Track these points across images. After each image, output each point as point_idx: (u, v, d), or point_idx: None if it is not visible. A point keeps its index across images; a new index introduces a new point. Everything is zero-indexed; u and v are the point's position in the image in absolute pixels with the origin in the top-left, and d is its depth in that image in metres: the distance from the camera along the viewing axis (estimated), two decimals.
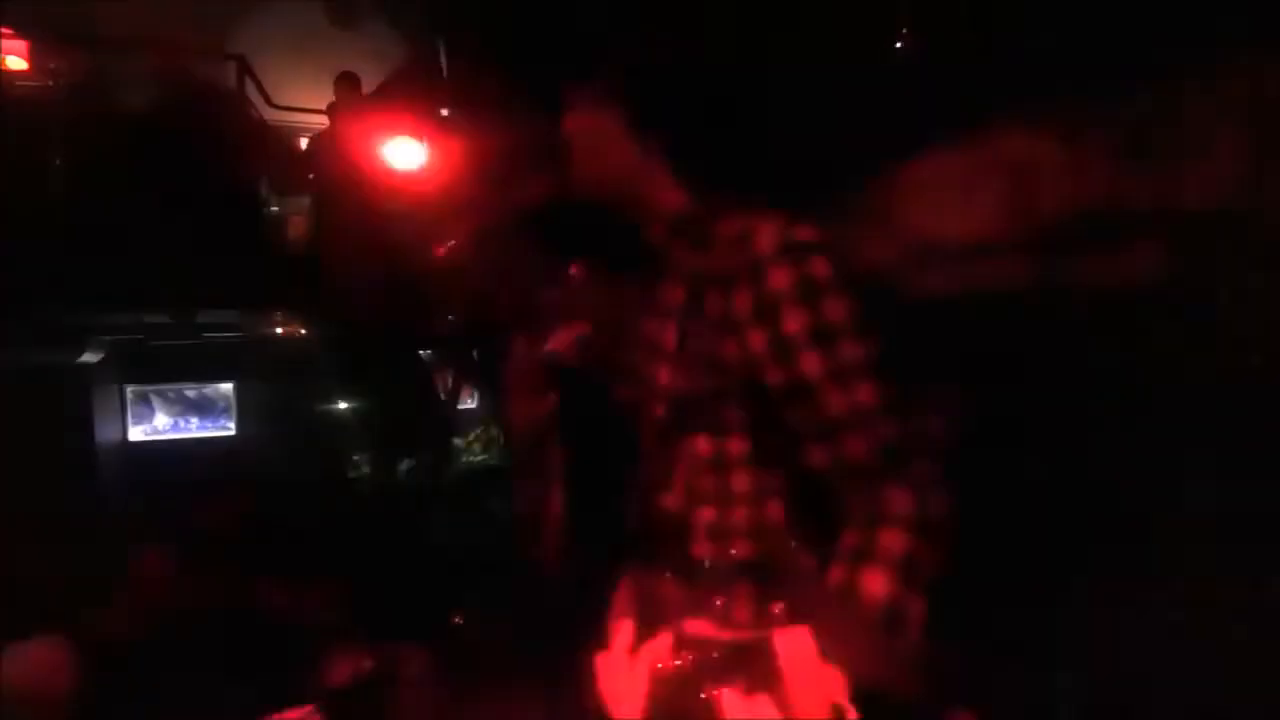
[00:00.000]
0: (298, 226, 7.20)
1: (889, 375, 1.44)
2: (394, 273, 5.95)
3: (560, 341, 2.60)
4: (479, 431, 8.40)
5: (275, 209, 7.37)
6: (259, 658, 3.70)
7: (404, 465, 7.05)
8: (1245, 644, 2.54)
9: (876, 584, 1.27)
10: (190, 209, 5.77)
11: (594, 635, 1.41)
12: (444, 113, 7.01)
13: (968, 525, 1.37)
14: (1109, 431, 3.13)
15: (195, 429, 8.24)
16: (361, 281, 5.94)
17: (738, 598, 1.41)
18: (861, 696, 1.08)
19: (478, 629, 5.25)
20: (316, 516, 5.57)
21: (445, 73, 6.89)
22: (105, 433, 7.46)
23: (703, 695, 1.09)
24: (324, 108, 7.79)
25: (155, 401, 8.11)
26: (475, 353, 6.60)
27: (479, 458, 8.26)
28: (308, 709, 3.25)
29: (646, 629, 1.21)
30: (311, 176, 7.20)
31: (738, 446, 1.49)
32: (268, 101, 7.67)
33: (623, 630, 1.20)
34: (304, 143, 7.80)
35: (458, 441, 8.00)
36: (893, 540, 1.30)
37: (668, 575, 1.54)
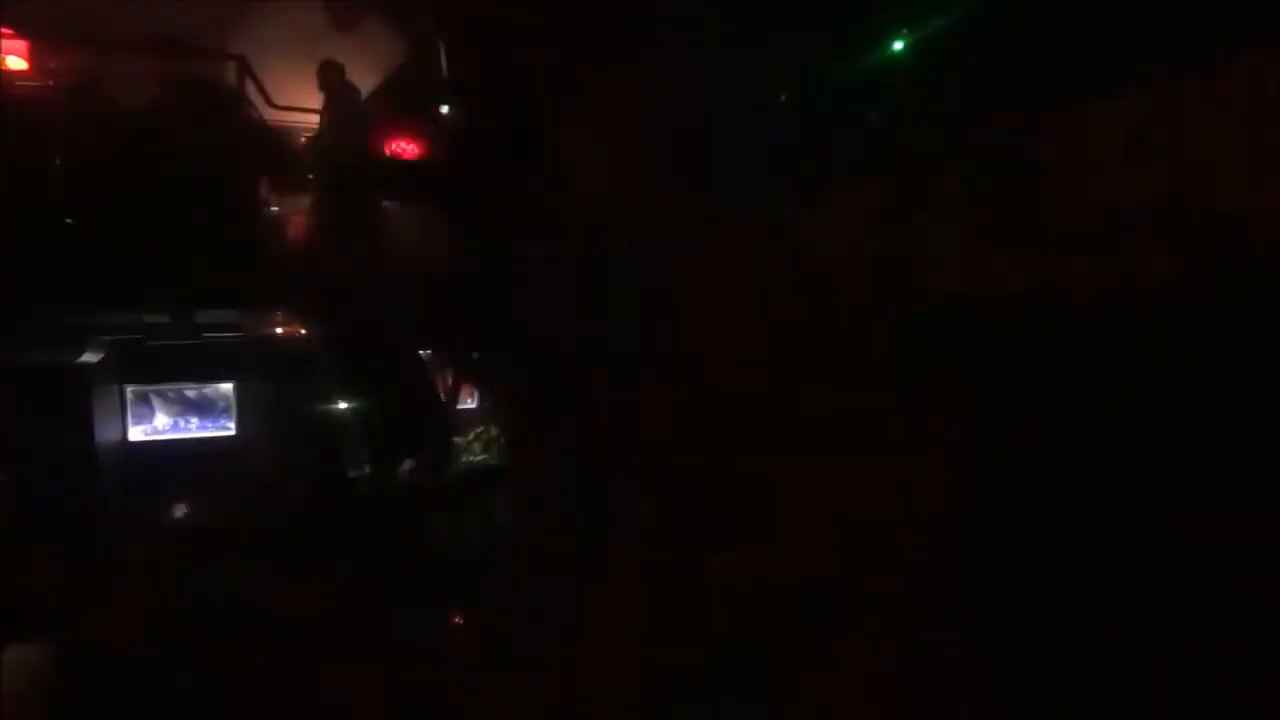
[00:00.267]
0: (298, 226, 7.19)
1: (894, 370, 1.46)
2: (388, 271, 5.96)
3: None
4: (479, 431, 8.39)
5: (275, 209, 7.36)
6: (259, 657, 3.70)
7: (404, 465, 7.05)
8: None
9: None
10: (190, 209, 5.76)
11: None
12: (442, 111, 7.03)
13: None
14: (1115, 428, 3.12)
15: (195, 429, 8.23)
16: (357, 277, 5.94)
17: None
18: None
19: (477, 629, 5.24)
20: (316, 516, 5.57)
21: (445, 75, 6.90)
22: (105, 433, 7.45)
23: None
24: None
25: (155, 401, 8.10)
26: (475, 354, 6.60)
27: (479, 458, 8.26)
28: None
29: None
30: (311, 176, 7.20)
31: None
32: (268, 101, 7.66)
33: None
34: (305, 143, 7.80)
35: (458, 441, 8.00)
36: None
37: None
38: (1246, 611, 2.60)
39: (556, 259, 4.36)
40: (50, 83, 6.32)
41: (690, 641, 3.29)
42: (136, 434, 8.01)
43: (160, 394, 8.12)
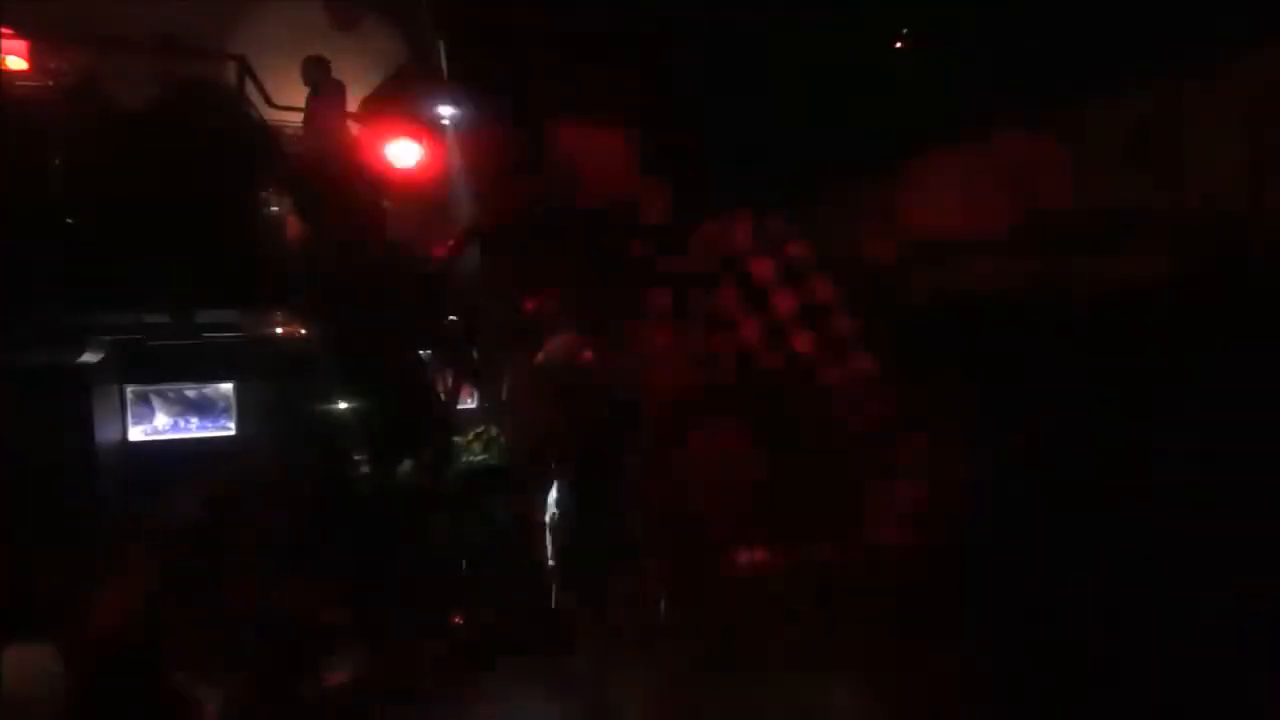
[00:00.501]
0: (297, 226, 7.19)
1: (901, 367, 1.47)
2: (387, 272, 5.96)
3: (555, 348, 2.60)
4: (479, 431, 8.39)
5: (275, 209, 7.36)
6: (259, 657, 3.69)
7: (404, 465, 7.05)
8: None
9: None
10: (190, 209, 5.76)
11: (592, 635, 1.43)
12: (440, 114, 7.03)
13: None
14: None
15: (195, 429, 8.23)
16: (356, 279, 5.95)
17: None
18: None
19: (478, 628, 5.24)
20: (316, 516, 5.57)
21: (444, 75, 6.90)
22: (105, 433, 7.45)
23: None
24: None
25: (155, 401, 8.10)
26: (475, 354, 6.60)
27: (479, 457, 8.25)
28: None
29: None
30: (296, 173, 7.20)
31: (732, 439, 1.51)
32: (268, 101, 7.67)
33: None
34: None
35: (458, 441, 8.00)
36: (910, 490, 1.32)
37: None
38: (1248, 612, 2.60)
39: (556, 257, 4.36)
40: (50, 83, 6.32)
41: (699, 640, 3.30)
42: (136, 434, 8.01)
43: (160, 394, 8.11)
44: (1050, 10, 3.73)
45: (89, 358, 7.06)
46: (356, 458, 7.30)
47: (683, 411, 1.57)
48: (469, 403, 8.62)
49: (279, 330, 7.91)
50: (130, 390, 7.99)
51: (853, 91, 4.55)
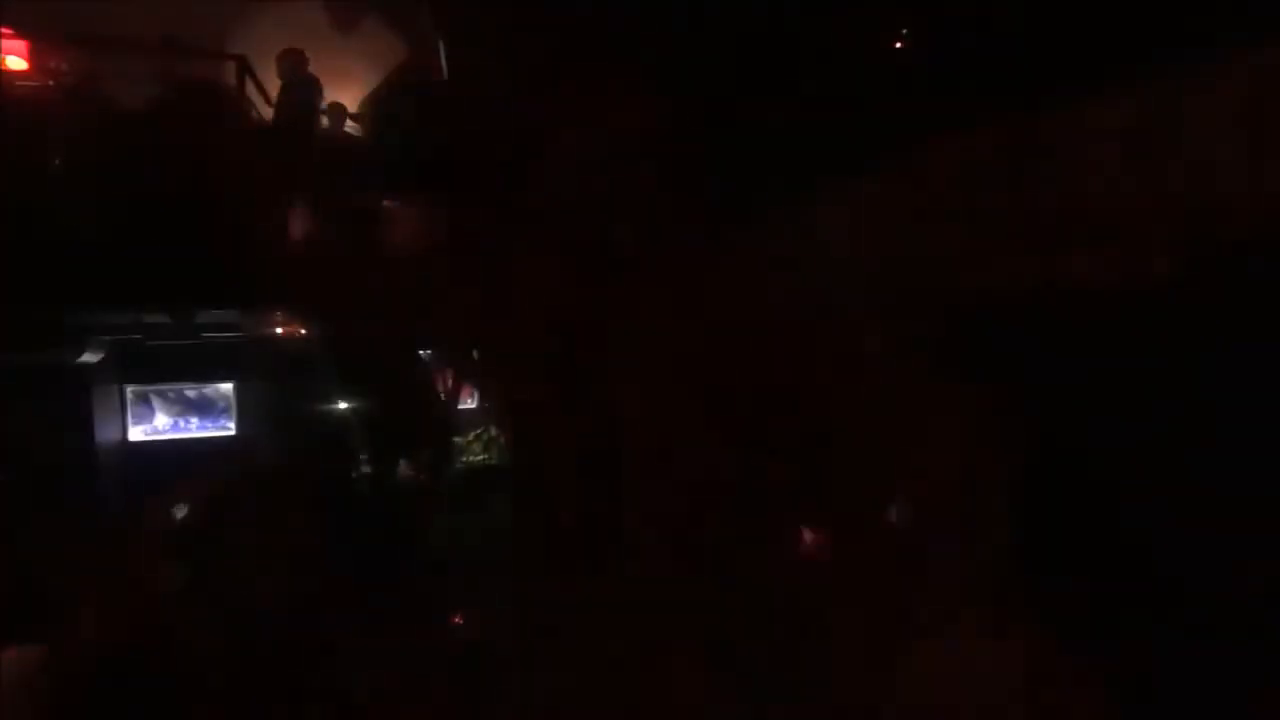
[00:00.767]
0: (298, 226, 7.18)
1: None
2: (388, 271, 5.96)
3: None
4: (479, 432, 8.39)
5: (275, 209, 7.35)
6: (259, 657, 3.70)
7: (404, 465, 7.05)
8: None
9: None
10: (190, 208, 5.76)
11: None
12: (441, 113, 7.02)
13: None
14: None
15: (195, 429, 8.23)
16: (357, 278, 5.95)
17: None
18: None
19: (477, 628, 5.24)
20: (316, 516, 5.57)
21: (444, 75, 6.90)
22: (105, 433, 7.45)
23: None
24: (324, 107, 7.79)
25: (155, 401, 8.10)
26: (475, 353, 6.60)
27: (479, 457, 8.26)
28: None
29: None
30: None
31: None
32: (268, 101, 7.67)
33: None
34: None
35: (458, 441, 8.00)
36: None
37: None
38: (1248, 609, 2.60)
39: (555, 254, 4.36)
40: (50, 83, 6.32)
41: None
42: (136, 434, 8.01)
43: (160, 394, 8.12)
44: (1050, 10, 3.73)
45: (89, 358, 7.06)
46: (356, 458, 7.31)
47: (664, 412, 1.57)
48: (469, 403, 8.63)
49: (279, 330, 7.92)
50: (130, 390, 7.99)
51: (853, 90, 4.55)
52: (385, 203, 7.09)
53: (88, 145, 5.95)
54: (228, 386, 8.33)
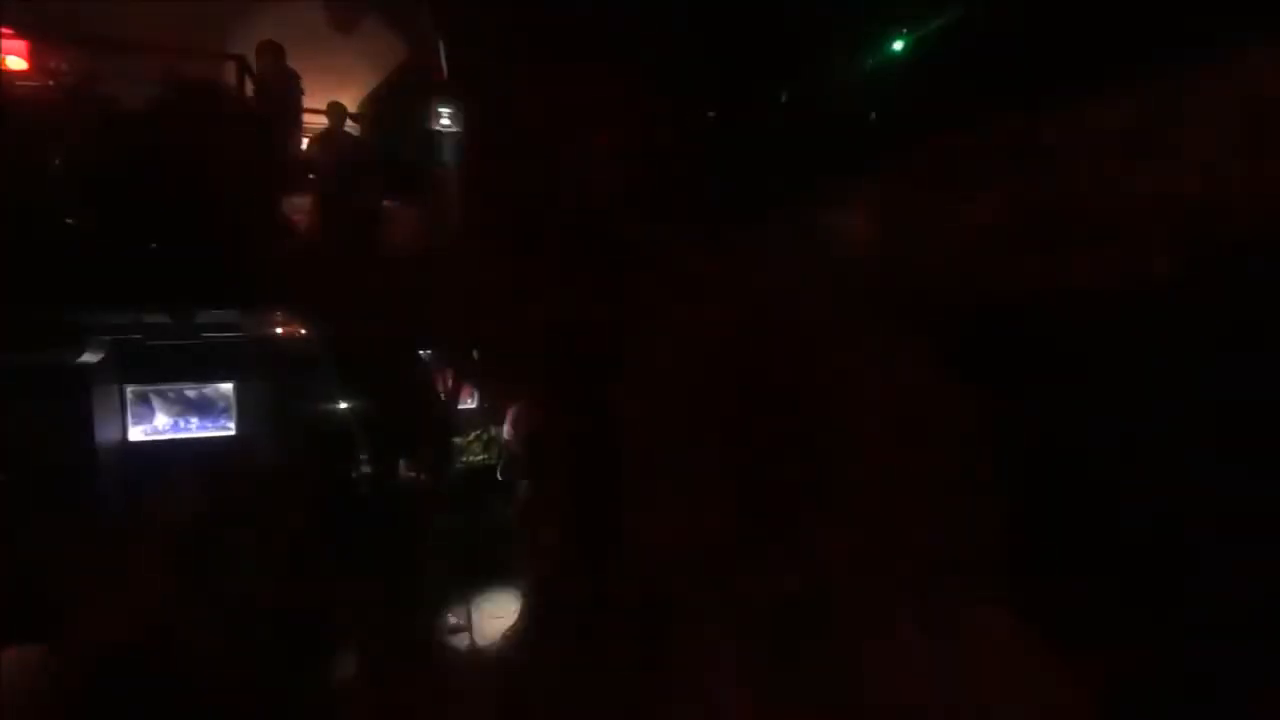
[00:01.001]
0: (298, 226, 7.19)
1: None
2: (388, 271, 5.96)
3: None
4: (479, 432, 8.39)
5: (276, 209, 7.35)
6: (260, 657, 3.69)
7: (404, 465, 7.05)
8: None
9: None
10: (190, 208, 5.76)
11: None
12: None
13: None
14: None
15: (195, 429, 8.23)
16: (357, 278, 5.95)
17: None
18: None
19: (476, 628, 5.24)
20: (316, 516, 5.57)
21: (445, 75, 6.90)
22: (105, 433, 7.45)
23: None
24: (324, 107, 7.79)
25: (155, 401, 8.10)
26: (475, 353, 6.60)
27: (479, 457, 8.26)
28: None
29: None
30: (311, 176, 7.20)
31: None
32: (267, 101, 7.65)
33: None
34: (305, 143, 7.81)
35: (457, 441, 8.01)
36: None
37: None
38: (1248, 609, 2.60)
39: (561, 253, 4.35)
40: (50, 83, 6.32)
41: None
42: (136, 434, 8.01)
43: (160, 394, 8.12)
44: (1051, 9, 3.73)
45: (89, 358, 7.06)
46: (356, 458, 7.31)
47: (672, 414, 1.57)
48: (469, 403, 8.63)
49: (279, 330, 7.91)
50: (130, 390, 7.99)
51: (852, 88, 4.55)
52: (385, 203, 7.10)
53: (88, 145, 5.95)
54: (228, 386, 8.33)
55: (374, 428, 7.03)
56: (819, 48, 4.59)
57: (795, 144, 4.59)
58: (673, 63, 4.09)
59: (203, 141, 6.03)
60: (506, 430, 7.27)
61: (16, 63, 6.17)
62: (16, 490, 5.59)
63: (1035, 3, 3.86)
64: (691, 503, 3.21)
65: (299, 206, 7.21)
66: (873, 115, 4.46)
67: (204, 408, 8.27)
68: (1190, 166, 3.14)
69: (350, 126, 8.13)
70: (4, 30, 6.05)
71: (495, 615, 6.05)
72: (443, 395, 7.54)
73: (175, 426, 8.17)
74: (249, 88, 7.12)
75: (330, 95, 7.87)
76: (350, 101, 8.44)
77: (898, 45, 4.74)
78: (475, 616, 6.17)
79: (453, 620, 6.07)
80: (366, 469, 7.30)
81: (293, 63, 7.51)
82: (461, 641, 5.85)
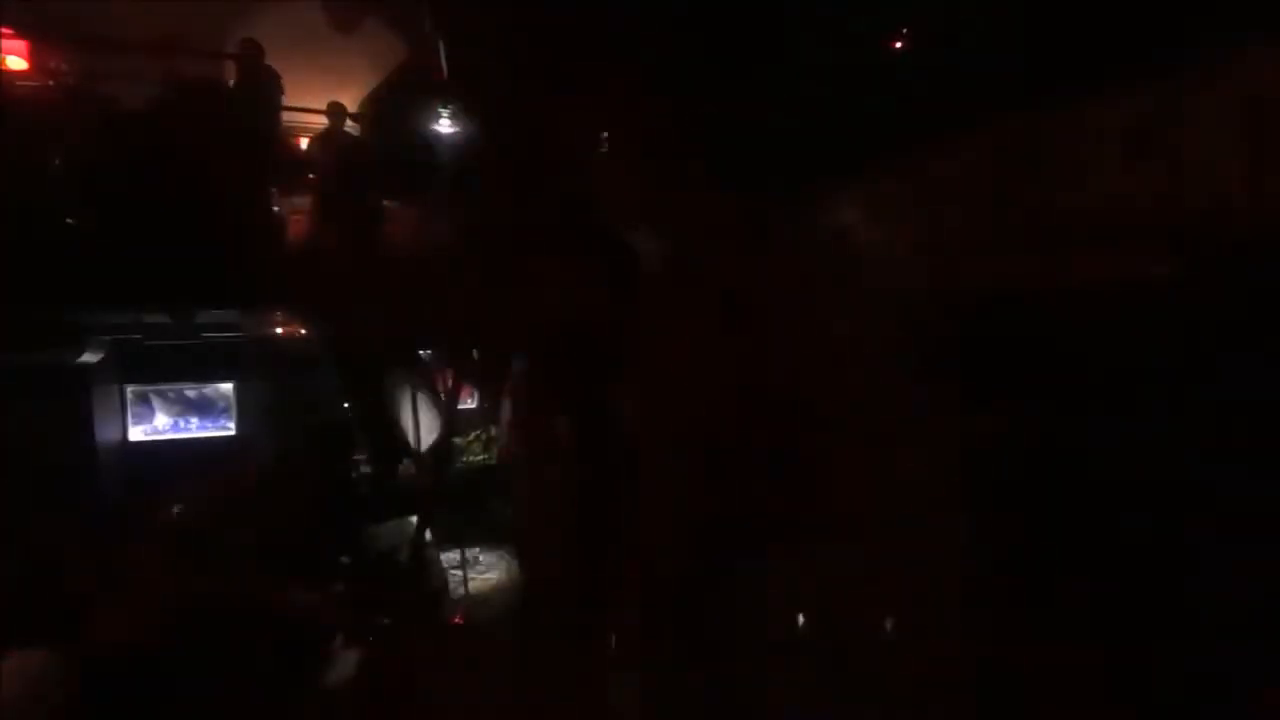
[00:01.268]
0: (298, 226, 7.19)
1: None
2: (388, 271, 5.96)
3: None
4: (479, 432, 8.40)
5: (276, 209, 7.35)
6: (260, 658, 3.69)
7: (404, 465, 7.05)
8: None
9: None
10: (190, 208, 5.76)
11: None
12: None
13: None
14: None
15: (195, 429, 8.23)
16: (357, 278, 5.95)
17: None
18: None
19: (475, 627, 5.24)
20: (316, 516, 5.57)
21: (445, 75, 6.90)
22: (105, 433, 7.45)
23: None
24: (324, 107, 7.79)
25: (155, 401, 8.11)
26: (475, 353, 6.60)
27: (479, 458, 8.27)
28: None
29: None
30: (312, 176, 7.20)
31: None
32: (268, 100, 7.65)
33: None
34: (304, 143, 7.80)
35: (457, 441, 8.01)
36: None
37: None
38: (1248, 607, 2.60)
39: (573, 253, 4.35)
40: (50, 83, 6.32)
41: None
42: (136, 434, 8.01)
43: (160, 394, 8.12)
44: (1051, 9, 3.73)
45: (89, 358, 7.06)
46: (356, 458, 7.32)
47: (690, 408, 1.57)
48: (469, 403, 8.63)
49: (279, 330, 7.92)
50: (130, 390, 8.00)
51: (853, 89, 4.55)
52: (385, 203, 7.10)
53: (88, 145, 5.95)
54: (228, 386, 8.33)
55: (374, 428, 7.03)
56: (819, 47, 4.59)
57: (795, 144, 4.59)
58: (672, 62, 4.09)
59: (202, 141, 6.03)
60: (506, 430, 7.28)
61: (16, 63, 6.18)
62: (16, 490, 5.60)
63: (1035, 3, 3.86)
64: (690, 501, 3.21)
65: (299, 206, 7.20)
66: (872, 115, 4.46)
67: (204, 408, 8.28)
68: (1190, 166, 3.14)
69: (350, 126, 8.13)
70: (4, 30, 6.05)
71: (495, 614, 6.06)
72: (443, 395, 7.55)
73: (175, 426, 8.17)
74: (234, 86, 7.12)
75: (330, 95, 7.86)
76: (350, 101, 8.43)
77: (898, 45, 4.74)
78: (475, 615, 6.18)
79: (452, 620, 6.07)
80: (366, 469, 7.30)
81: (293, 63, 7.50)
82: (460, 639, 5.86)
